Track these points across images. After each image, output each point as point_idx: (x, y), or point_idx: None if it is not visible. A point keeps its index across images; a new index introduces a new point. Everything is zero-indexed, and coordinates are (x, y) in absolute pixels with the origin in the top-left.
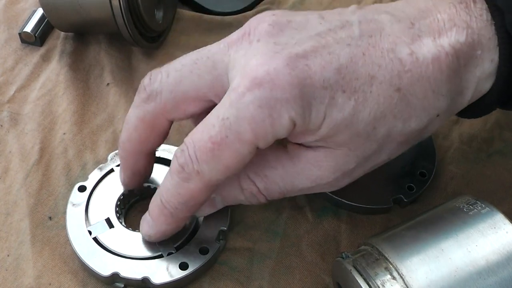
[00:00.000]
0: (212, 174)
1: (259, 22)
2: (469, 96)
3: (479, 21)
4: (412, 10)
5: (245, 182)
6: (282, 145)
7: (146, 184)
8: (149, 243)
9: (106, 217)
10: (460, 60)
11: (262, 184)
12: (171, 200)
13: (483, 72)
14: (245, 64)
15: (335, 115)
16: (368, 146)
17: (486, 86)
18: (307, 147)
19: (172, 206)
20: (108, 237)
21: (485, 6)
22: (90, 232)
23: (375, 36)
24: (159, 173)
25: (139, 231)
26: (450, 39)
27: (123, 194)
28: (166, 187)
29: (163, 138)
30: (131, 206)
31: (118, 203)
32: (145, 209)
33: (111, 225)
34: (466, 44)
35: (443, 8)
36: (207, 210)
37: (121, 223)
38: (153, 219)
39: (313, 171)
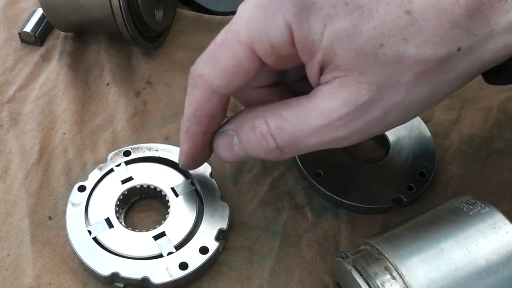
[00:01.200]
0: (212, 76)
1: None
2: (502, 41)
3: None
4: None
5: (258, 120)
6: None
7: (145, 184)
8: (149, 243)
9: (106, 217)
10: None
11: (274, 122)
12: (185, 112)
13: None
14: None
15: (335, 24)
16: (379, 70)
17: None
18: (324, 84)
19: (186, 118)
20: (108, 237)
21: None
22: (90, 232)
23: None
24: (159, 173)
25: (139, 231)
26: None
27: (123, 194)
28: (186, 101)
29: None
30: (131, 206)
31: (118, 203)
32: (145, 209)
33: (110, 225)
34: None
35: None
36: (226, 150)
37: (120, 223)
38: (180, 140)
39: (326, 103)
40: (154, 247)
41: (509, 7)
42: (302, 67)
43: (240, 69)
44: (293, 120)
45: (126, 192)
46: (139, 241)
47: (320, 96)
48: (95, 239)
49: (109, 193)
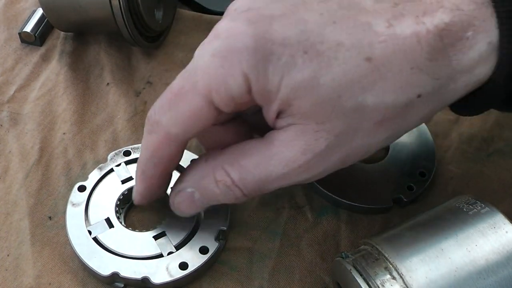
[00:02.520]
0: (170, 124)
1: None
2: (463, 81)
3: (472, 3)
4: None
5: (219, 173)
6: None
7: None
8: (149, 243)
9: (106, 217)
10: (444, 39)
11: (236, 174)
12: (141, 155)
13: (480, 55)
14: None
15: (294, 75)
16: (336, 120)
17: (484, 71)
18: (281, 129)
19: (142, 161)
20: (108, 237)
21: None
22: (90, 232)
23: (353, 10)
24: None
25: (139, 231)
26: (434, 18)
27: (123, 194)
28: (141, 145)
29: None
30: (131, 206)
31: (118, 203)
32: (145, 208)
33: (111, 225)
34: (452, 25)
35: None
36: (188, 206)
37: (121, 222)
38: (135, 179)
39: (285, 153)
40: (154, 247)
41: (470, 45)
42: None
43: (197, 118)
44: (254, 170)
45: (126, 192)
46: (139, 241)
47: (278, 145)
48: (95, 239)
49: (109, 193)
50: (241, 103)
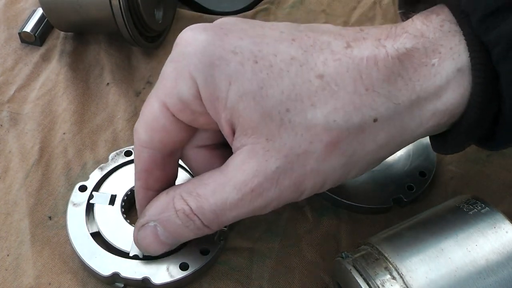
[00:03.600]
0: (139, 131)
1: None
2: (430, 109)
3: (437, 31)
4: (368, 25)
5: (178, 202)
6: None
7: None
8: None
9: (114, 194)
10: (404, 63)
11: (194, 203)
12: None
13: (447, 81)
14: None
15: (241, 83)
16: (285, 137)
17: (454, 98)
18: (236, 151)
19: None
20: (110, 233)
21: (449, 17)
22: (91, 197)
23: (317, 32)
24: None
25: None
26: (396, 42)
27: (131, 190)
28: None
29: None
30: (132, 205)
31: (125, 198)
32: None
33: (112, 202)
34: (415, 51)
35: (401, 24)
36: (152, 242)
37: (126, 219)
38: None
39: (238, 177)
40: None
41: (436, 72)
42: None
43: (157, 124)
44: (211, 198)
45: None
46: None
47: (231, 170)
48: (97, 234)
49: (131, 179)
50: (196, 113)
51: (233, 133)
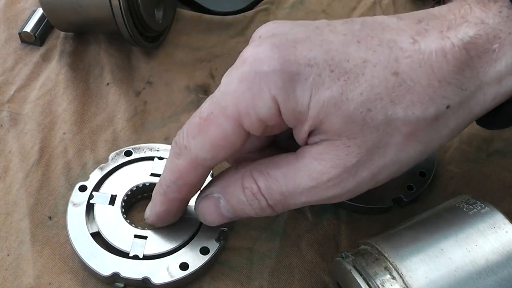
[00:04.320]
0: (198, 149)
1: (263, 26)
2: (492, 93)
3: (497, 17)
4: (421, 12)
5: (247, 180)
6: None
7: (148, 183)
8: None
9: (114, 194)
10: (470, 52)
11: (263, 182)
12: (165, 178)
13: (506, 67)
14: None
15: (322, 93)
16: (367, 134)
17: None
18: (312, 144)
19: (165, 183)
20: (111, 235)
21: (506, 3)
22: (91, 197)
23: (376, 30)
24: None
25: (136, 227)
26: (458, 32)
27: (131, 190)
28: (165, 167)
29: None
30: (133, 205)
31: (125, 198)
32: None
33: (112, 203)
34: (478, 38)
35: (457, 9)
36: (212, 213)
37: (126, 219)
38: (152, 199)
39: (314, 165)
40: (156, 246)
41: (497, 57)
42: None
43: (226, 142)
44: (282, 180)
45: (141, 185)
46: (125, 235)
47: (308, 157)
48: (97, 234)
49: (131, 179)
50: (271, 126)
51: (308, 135)
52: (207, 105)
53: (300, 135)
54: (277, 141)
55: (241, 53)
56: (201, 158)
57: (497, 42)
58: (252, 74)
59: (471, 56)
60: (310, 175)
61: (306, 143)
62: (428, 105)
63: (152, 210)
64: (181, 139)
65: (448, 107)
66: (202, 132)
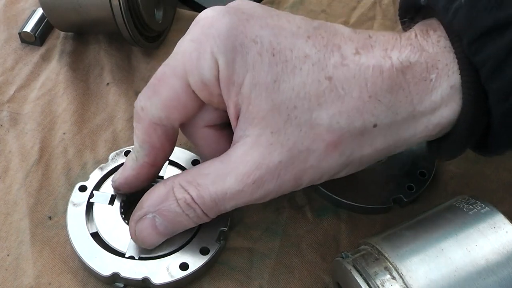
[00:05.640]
0: (153, 109)
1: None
2: (424, 121)
3: (435, 46)
4: (375, 32)
5: (179, 191)
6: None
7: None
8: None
9: (114, 194)
10: (406, 76)
11: (195, 192)
12: (134, 144)
13: (442, 97)
14: None
15: (257, 73)
16: (289, 131)
17: (447, 114)
18: (238, 141)
19: (135, 149)
20: (109, 234)
21: (444, 34)
22: (91, 196)
23: (329, 33)
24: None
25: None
26: (401, 55)
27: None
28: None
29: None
30: (132, 205)
31: (125, 198)
32: None
33: (112, 202)
34: (417, 65)
35: (406, 34)
36: (150, 234)
37: (124, 220)
38: (123, 165)
39: (240, 168)
40: (154, 248)
41: (433, 87)
42: None
43: (178, 102)
44: (211, 186)
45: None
46: (123, 235)
47: (233, 160)
48: (96, 235)
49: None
50: (214, 93)
51: (237, 115)
52: (162, 66)
53: (230, 111)
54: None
55: (198, 15)
56: (157, 118)
57: (434, 72)
58: (201, 34)
59: (407, 80)
60: (236, 178)
61: (235, 130)
62: (355, 118)
63: (121, 173)
64: (139, 101)
65: (375, 125)
66: (156, 92)
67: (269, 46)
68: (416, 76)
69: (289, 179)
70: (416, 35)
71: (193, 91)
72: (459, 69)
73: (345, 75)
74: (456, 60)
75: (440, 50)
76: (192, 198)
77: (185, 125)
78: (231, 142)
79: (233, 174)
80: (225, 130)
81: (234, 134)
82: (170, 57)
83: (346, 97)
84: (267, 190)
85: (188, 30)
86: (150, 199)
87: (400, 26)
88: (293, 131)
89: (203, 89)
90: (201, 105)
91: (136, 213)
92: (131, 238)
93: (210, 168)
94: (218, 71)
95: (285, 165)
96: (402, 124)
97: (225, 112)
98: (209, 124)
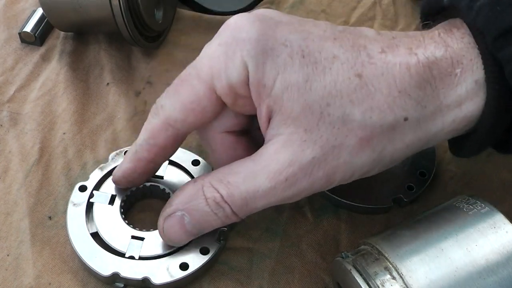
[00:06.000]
0: (171, 109)
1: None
2: (451, 115)
3: (460, 42)
4: (398, 32)
5: (208, 190)
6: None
7: (149, 183)
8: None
9: (114, 194)
10: (433, 71)
11: (225, 190)
12: (139, 137)
13: (467, 92)
14: None
15: (289, 74)
16: (323, 129)
17: (472, 108)
18: (270, 140)
19: (138, 142)
20: (109, 234)
21: (467, 31)
22: (91, 196)
23: (354, 34)
24: (161, 172)
25: (139, 230)
26: (426, 51)
27: (131, 191)
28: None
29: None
30: (132, 206)
31: (125, 198)
32: (145, 208)
33: (112, 202)
34: (443, 60)
35: (428, 33)
36: (178, 232)
37: (124, 220)
38: (124, 158)
39: (271, 166)
40: (154, 247)
41: (458, 81)
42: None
43: (197, 105)
44: (242, 185)
45: (134, 189)
46: (121, 236)
47: (265, 158)
48: (96, 235)
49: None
50: (241, 97)
51: (268, 118)
52: (187, 68)
53: (261, 115)
54: (251, 132)
55: (226, 21)
56: (173, 118)
57: (459, 67)
58: (230, 39)
59: (433, 75)
60: (268, 176)
61: (266, 132)
62: (386, 113)
63: (120, 165)
64: (160, 99)
65: (406, 119)
66: (177, 92)
67: (298, 49)
68: (442, 71)
69: (322, 176)
70: (439, 34)
71: (215, 96)
72: (483, 64)
73: (373, 73)
74: (480, 56)
75: (464, 46)
76: (222, 197)
77: (204, 130)
78: (249, 149)
79: (265, 171)
80: (243, 137)
81: (266, 135)
82: (196, 60)
83: (376, 93)
84: (299, 187)
85: (216, 35)
86: (180, 197)
87: (400, 26)
88: (326, 128)
89: (229, 93)
90: (219, 111)
91: (165, 210)
92: (159, 234)
93: (241, 166)
94: (247, 75)
95: (318, 161)
96: (431, 117)
97: (245, 118)
98: (228, 130)
